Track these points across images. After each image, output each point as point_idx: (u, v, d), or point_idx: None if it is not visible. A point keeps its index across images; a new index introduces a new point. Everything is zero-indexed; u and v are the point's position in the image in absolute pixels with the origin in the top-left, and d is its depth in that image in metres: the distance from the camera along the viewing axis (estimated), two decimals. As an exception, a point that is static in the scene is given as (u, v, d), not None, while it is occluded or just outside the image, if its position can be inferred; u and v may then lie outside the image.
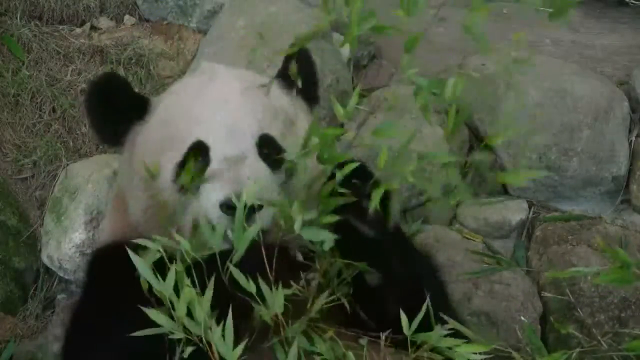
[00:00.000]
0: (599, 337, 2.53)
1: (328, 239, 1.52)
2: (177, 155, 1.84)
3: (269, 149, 1.82)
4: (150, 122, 1.94)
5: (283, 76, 1.94)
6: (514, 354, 1.75)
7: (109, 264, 1.84)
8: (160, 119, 1.93)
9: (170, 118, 1.91)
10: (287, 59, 1.94)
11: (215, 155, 1.79)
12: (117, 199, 2.09)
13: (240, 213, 1.55)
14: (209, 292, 1.49)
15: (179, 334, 1.50)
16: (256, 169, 1.76)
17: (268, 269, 1.54)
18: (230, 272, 1.52)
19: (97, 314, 1.80)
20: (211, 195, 1.72)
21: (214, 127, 1.82)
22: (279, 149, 1.82)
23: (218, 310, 1.51)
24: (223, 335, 1.47)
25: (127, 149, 1.99)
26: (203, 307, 1.48)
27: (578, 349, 1.86)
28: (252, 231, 1.53)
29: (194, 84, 1.97)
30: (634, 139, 2.99)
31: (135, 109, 1.96)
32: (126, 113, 1.95)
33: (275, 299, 1.52)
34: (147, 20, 3.51)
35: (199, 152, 1.81)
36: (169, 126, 1.89)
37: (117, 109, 1.94)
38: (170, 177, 1.83)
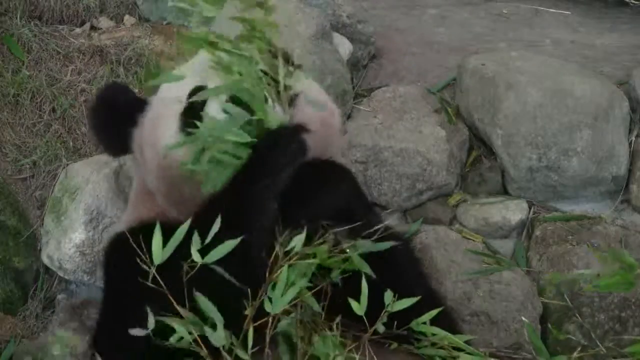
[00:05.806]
0: (597, 341, 2.53)
1: None
2: (178, 109, 1.88)
3: None
4: (151, 106, 2.01)
5: None
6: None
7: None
8: (158, 99, 2.00)
9: (166, 93, 1.98)
10: None
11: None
12: (138, 194, 2.12)
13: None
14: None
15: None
16: None
17: None
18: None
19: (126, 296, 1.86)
20: None
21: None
22: None
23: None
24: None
25: (135, 143, 2.02)
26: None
27: (578, 351, 1.85)
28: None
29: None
30: (634, 139, 2.99)
31: (140, 110, 2.00)
32: (131, 119, 1.99)
33: None
34: (147, 20, 3.50)
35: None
36: (166, 100, 1.95)
37: (122, 117, 2.00)
38: (176, 130, 1.87)
